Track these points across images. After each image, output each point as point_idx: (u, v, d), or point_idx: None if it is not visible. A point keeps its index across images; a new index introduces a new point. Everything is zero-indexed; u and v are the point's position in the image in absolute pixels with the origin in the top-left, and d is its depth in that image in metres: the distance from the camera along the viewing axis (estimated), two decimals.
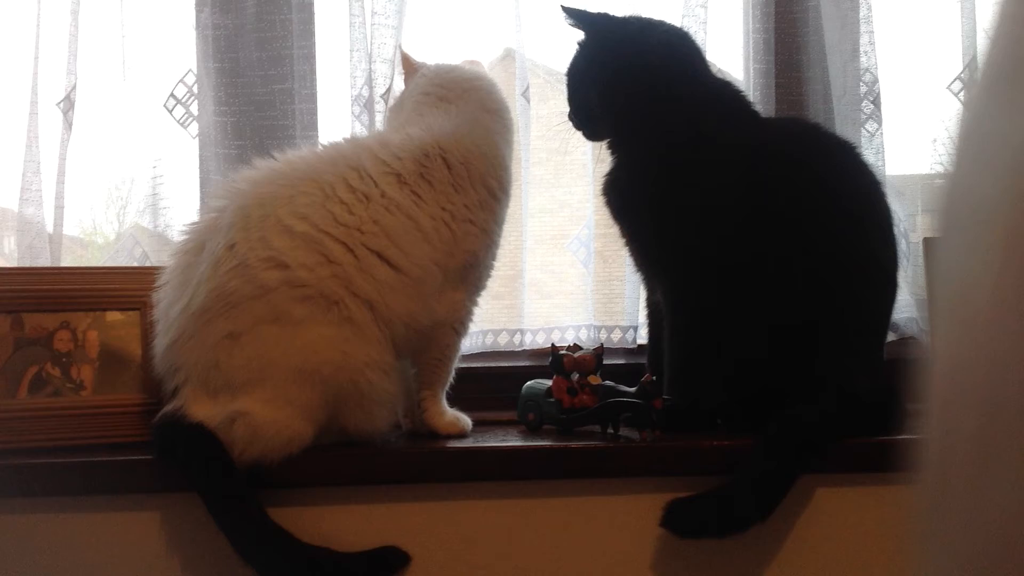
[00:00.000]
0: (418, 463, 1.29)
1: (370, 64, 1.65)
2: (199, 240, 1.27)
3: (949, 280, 0.44)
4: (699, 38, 1.66)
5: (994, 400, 0.39)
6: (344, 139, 1.42)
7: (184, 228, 1.33)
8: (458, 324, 1.39)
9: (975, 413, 0.40)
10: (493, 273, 1.45)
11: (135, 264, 1.65)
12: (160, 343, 1.26)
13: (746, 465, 1.24)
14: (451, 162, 1.36)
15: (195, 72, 1.67)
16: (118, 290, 1.38)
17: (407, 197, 1.31)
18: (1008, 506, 0.38)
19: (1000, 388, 0.38)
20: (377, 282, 1.26)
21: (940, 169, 1.80)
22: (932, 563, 0.45)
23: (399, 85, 1.61)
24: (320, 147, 1.41)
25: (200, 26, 1.66)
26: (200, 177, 1.65)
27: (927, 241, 1.58)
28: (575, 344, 1.47)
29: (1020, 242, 0.37)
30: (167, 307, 1.26)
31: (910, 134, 1.77)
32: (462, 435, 1.38)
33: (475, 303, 1.42)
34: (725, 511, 1.22)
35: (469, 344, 1.58)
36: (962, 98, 1.69)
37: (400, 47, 1.62)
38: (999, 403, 0.39)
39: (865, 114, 1.70)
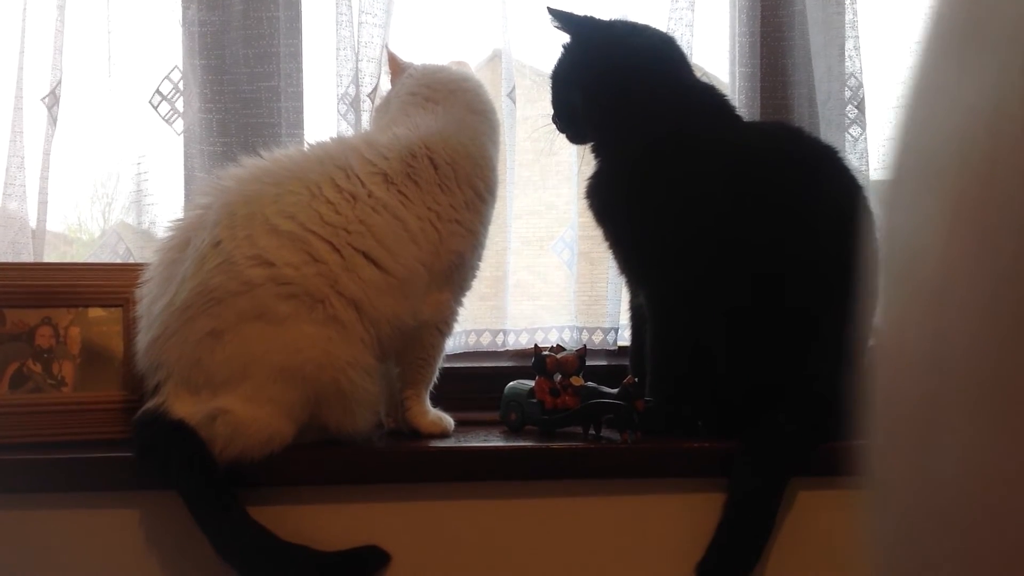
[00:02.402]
0: (400, 462, 1.29)
1: (357, 63, 1.65)
2: (184, 237, 1.27)
3: (897, 244, 0.44)
4: (685, 40, 1.66)
5: (940, 366, 0.39)
6: (331, 138, 1.42)
7: (169, 224, 1.33)
8: (443, 324, 1.40)
9: (921, 378, 0.40)
10: (479, 274, 1.45)
11: (119, 261, 1.64)
12: (143, 339, 1.26)
13: (734, 487, 1.26)
14: (438, 162, 1.36)
15: (181, 69, 1.67)
16: (101, 286, 1.38)
17: (394, 197, 1.31)
18: (954, 476, 0.38)
19: (946, 354, 0.39)
20: (363, 282, 1.26)
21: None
22: (878, 534, 0.45)
23: (386, 84, 1.60)
24: (307, 146, 1.41)
25: (186, 22, 1.66)
26: (185, 174, 1.65)
27: None
28: (558, 345, 1.47)
29: (970, 208, 0.37)
30: (150, 303, 1.26)
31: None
32: (444, 435, 1.38)
33: (460, 303, 1.43)
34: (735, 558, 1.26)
35: (452, 344, 1.58)
36: None
37: (387, 46, 1.62)
38: (945, 369, 0.39)
39: (849, 118, 1.70)
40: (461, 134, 1.40)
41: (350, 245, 1.26)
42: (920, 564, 0.41)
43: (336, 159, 1.32)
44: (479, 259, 1.43)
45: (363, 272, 1.27)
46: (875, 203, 1.46)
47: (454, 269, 1.38)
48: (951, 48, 0.41)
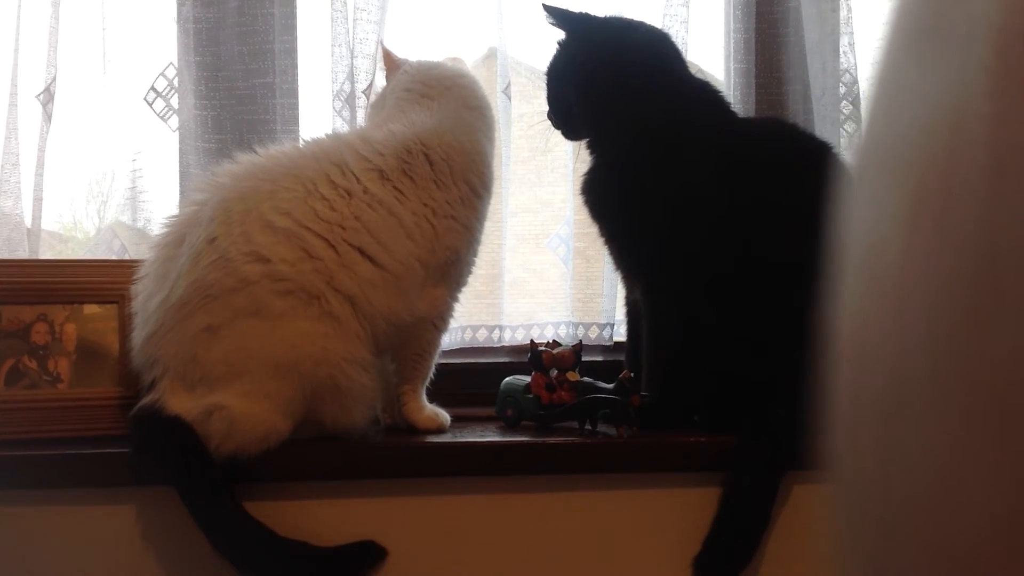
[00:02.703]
0: (396, 458, 1.30)
1: (352, 59, 1.65)
2: (179, 233, 1.27)
3: (859, 236, 0.44)
4: (680, 37, 1.66)
5: (900, 356, 0.39)
6: (326, 135, 1.42)
7: (164, 221, 1.32)
8: (439, 320, 1.40)
9: (882, 371, 0.41)
10: (475, 271, 1.46)
11: (113, 257, 1.64)
12: (138, 335, 1.25)
13: (730, 481, 1.27)
14: (433, 158, 1.36)
15: (176, 65, 1.66)
16: (96, 283, 1.37)
17: (389, 193, 1.31)
18: (916, 467, 0.38)
19: (906, 346, 0.39)
20: (359, 278, 1.26)
21: None
22: (844, 526, 0.45)
23: (381, 81, 1.60)
24: (302, 143, 1.41)
25: (181, 19, 1.66)
26: (180, 171, 1.64)
27: None
28: (554, 340, 1.48)
29: (930, 200, 0.38)
30: (146, 299, 1.26)
31: None
32: (441, 430, 1.38)
33: (456, 299, 1.43)
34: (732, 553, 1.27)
35: (448, 340, 1.58)
36: None
37: (382, 43, 1.62)
38: (905, 360, 0.39)
39: (844, 115, 1.71)
40: (456, 130, 1.40)
41: (345, 241, 1.26)
42: (885, 555, 0.41)
43: (331, 155, 1.32)
44: (475, 255, 1.43)
45: (359, 268, 1.27)
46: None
47: (450, 265, 1.38)
48: (913, 44, 0.41)
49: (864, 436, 0.43)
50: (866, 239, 0.43)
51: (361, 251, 1.27)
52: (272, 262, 1.22)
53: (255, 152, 1.33)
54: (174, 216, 1.32)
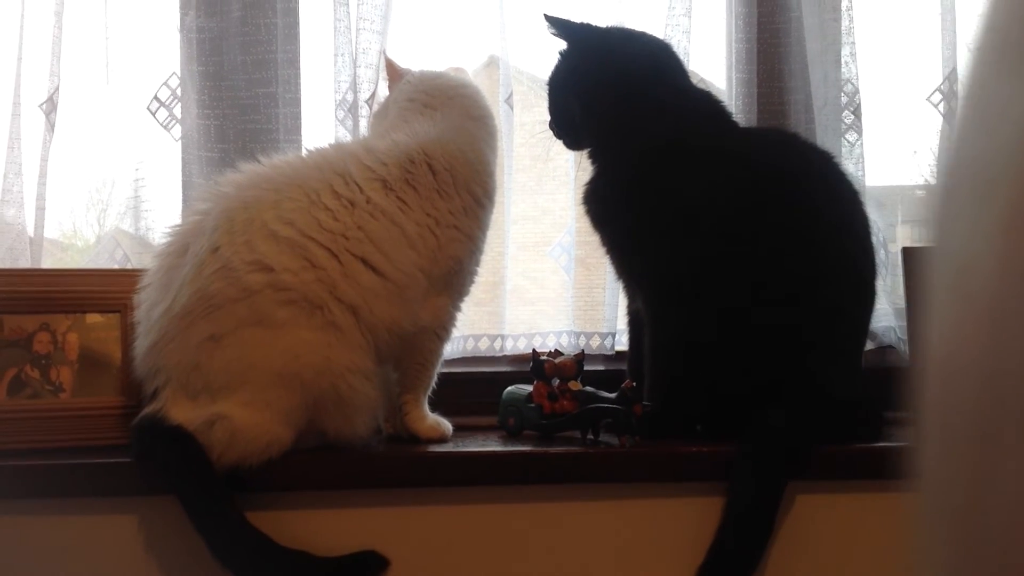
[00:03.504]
0: (398, 467, 1.29)
1: (355, 69, 1.65)
2: (183, 242, 1.27)
3: (949, 256, 0.43)
4: (682, 47, 1.67)
5: (996, 377, 0.38)
6: (330, 145, 1.43)
7: (168, 230, 1.33)
8: (441, 330, 1.40)
9: (976, 391, 0.40)
10: (476, 280, 1.45)
11: (116, 266, 1.64)
12: (141, 344, 1.26)
13: (732, 490, 1.26)
14: (436, 168, 1.36)
15: (179, 75, 1.67)
16: (98, 292, 1.38)
17: (392, 203, 1.32)
18: (1015, 494, 0.37)
19: (1003, 367, 0.38)
20: (361, 288, 1.26)
21: (920, 180, 1.81)
22: (931, 545, 0.44)
23: (383, 91, 1.61)
24: (306, 152, 1.41)
25: (184, 29, 1.66)
26: (183, 180, 1.65)
27: (906, 251, 1.59)
28: (556, 350, 1.48)
29: None
30: (149, 308, 1.26)
31: (890, 145, 1.79)
32: (443, 440, 1.38)
33: (459, 309, 1.43)
34: (736, 563, 1.26)
35: (450, 349, 1.58)
36: (942, 109, 1.71)
37: (385, 53, 1.63)
38: (1001, 382, 0.38)
39: (846, 124, 1.71)
40: (459, 140, 1.40)
41: (348, 251, 1.27)
42: None
43: (335, 165, 1.32)
44: (477, 264, 1.44)
45: (361, 278, 1.27)
46: (871, 208, 1.47)
47: (452, 275, 1.38)
48: (1002, 60, 0.40)
49: (955, 459, 0.41)
50: (957, 257, 0.42)
51: (364, 261, 1.27)
52: (275, 272, 1.23)
53: (258, 161, 1.33)
54: (177, 225, 1.32)
